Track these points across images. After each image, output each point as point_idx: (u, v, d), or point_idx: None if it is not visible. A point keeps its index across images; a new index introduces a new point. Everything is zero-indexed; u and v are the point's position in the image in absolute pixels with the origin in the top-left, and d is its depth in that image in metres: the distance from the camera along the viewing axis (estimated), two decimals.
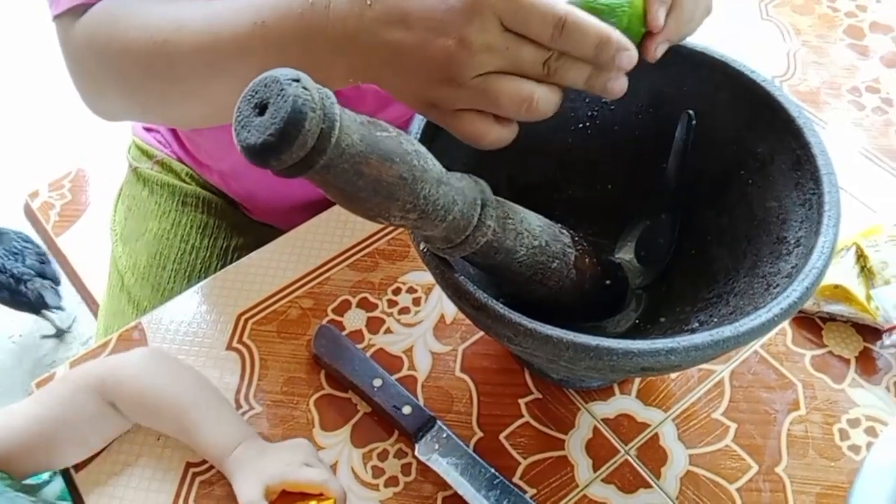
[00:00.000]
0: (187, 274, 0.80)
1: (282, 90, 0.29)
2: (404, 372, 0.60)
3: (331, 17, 0.42)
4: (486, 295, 0.41)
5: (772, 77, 0.78)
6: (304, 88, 0.29)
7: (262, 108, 0.30)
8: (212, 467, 0.55)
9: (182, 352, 0.61)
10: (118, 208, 0.89)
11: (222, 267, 0.70)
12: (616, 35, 0.40)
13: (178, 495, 0.55)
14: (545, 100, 0.41)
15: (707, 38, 0.82)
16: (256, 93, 0.30)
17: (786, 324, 0.62)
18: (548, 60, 0.40)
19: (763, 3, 0.87)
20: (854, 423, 0.56)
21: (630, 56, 0.41)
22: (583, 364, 0.41)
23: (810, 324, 0.61)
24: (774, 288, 0.44)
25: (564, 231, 0.50)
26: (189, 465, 0.56)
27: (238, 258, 0.68)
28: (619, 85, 0.42)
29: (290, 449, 0.54)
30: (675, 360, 0.39)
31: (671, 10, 0.43)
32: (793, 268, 0.43)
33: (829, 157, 0.46)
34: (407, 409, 0.56)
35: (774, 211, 0.48)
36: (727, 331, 0.39)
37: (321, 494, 0.51)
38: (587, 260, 0.50)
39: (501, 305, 0.40)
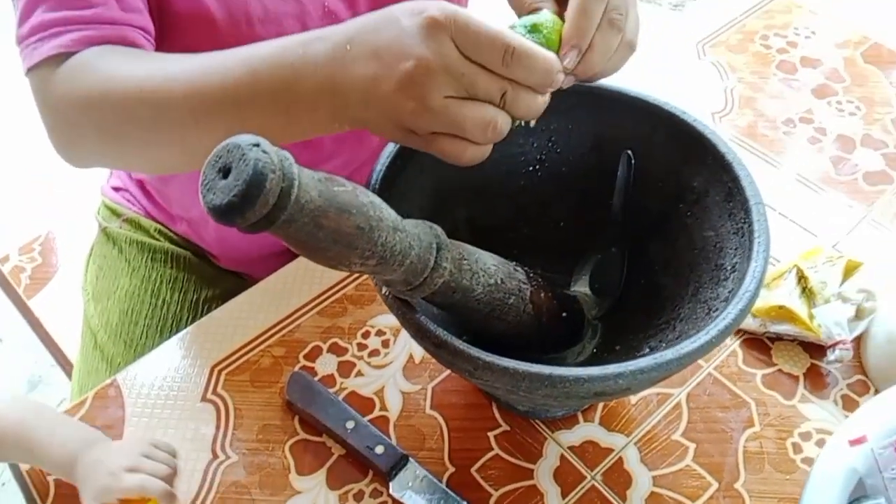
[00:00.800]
0: (159, 328, 0.81)
1: (243, 155, 0.32)
2: (376, 413, 0.62)
3: (317, 64, 0.44)
4: (445, 332, 0.43)
5: (711, 113, 0.83)
6: (264, 152, 0.32)
7: (225, 172, 0.32)
8: None
9: (157, 405, 0.63)
10: (89, 268, 0.90)
11: (194, 319, 0.71)
12: (558, 61, 0.43)
13: None
14: (504, 123, 0.44)
15: (649, 78, 0.87)
16: (220, 158, 0.33)
17: (736, 345, 0.65)
18: (504, 94, 0.42)
19: (700, 44, 0.92)
20: (805, 436, 0.59)
21: (569, 81, 0.44)
22: (540, 392, 0.43)
23: (759, 344, 0.65)
24: (714, 311, 0.47)
25: (519, 268, 0.53)
26: None
27: (209, 310, 0.70)
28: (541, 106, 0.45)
29: (117, 453, 0.56)
30: (624, 384, 0.41)
31: (586, 52, 0.45)
32: (730, 292, 0.46)
33: (757, 187, 0.49)
34: (380, 449, 0.58)
35: (712, 240, 0.52)
36: (669, 354, 0.42)
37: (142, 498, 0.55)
38: (542, 294, 0.53)
39: (460, 341, 0.43)
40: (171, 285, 0.83)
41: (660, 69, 0.90)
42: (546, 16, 0.46)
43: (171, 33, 0.62)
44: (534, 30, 0.45)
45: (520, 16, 0.48)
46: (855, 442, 0.47)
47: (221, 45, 0.50)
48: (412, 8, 0.42)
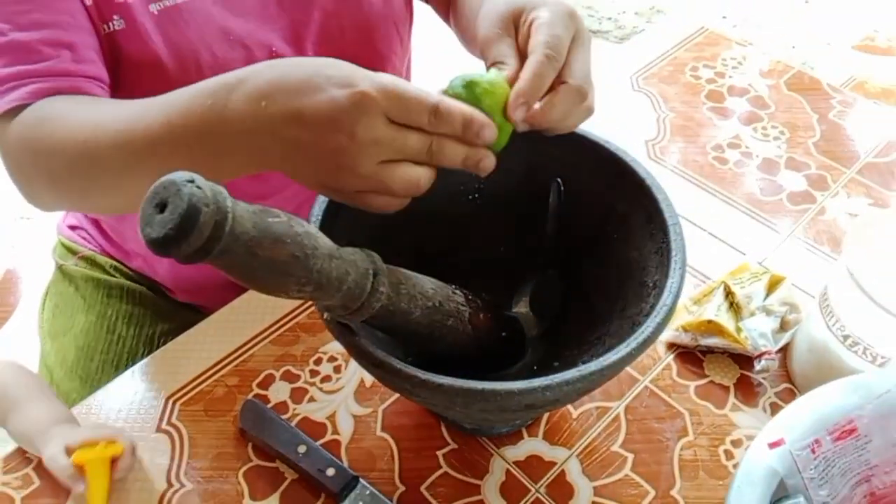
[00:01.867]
0: (115, 364, 0.82)
1: (178, 190, 0.34)
2: (328, 437, 0.64)
3: (229, 117, 0.46)
4: (384, 353, 0.46)
5: (645, 141, 0.88)
6: (198, 187, 0.35)
7: (162, 207, 0.35)
8: None
9: None
10: (46, 306, 0.91)
11: (149, 353, 0.73)
12: (478, 115, 0.46)
13: None
14: (427, 178, 0.47)
15: None
16: (157, 194, 0.35)
17: (671, 359, 0.68)
18: (430, 147, 0.46)
19: (634, 77, 0.97)
20: (737, 443, 0.63)
21: (492, 131, 0.47)
22: (475, 407, 0.46)
23: (692, 357, 0.68)
24: (638, 326, 0.50)
25: (458, 291, 0.55)
26: None
27: (164, 343, 0.71)
28: (487, 163, 0.49)
29: (97, 426, 0.60)
30: (552, 396, 0.44)
31: (546, 109, 0.50)
32: (651, 307, 0.50)
33: (674, 210, 0.53)
34: (331, 472, 0.60)
35: (636, 259, 0.55)
36: (593, 366, 0.45)
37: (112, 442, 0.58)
38: (481, 316, 0.56)
39: (398, 361, 0.45)
40: (126, 321, 0.84)
41: (598, 101, 0.94)
42: (489, 75, 0.49)
43: (124, 81, 0.65)
44: (467, 86, 0.48)
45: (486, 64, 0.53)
46: (774, 444, 0.51)
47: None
48: (341, 79, 0.43)
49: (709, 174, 0.85)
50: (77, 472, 0.57)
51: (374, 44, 0.76)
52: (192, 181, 0.34)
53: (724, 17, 2.57)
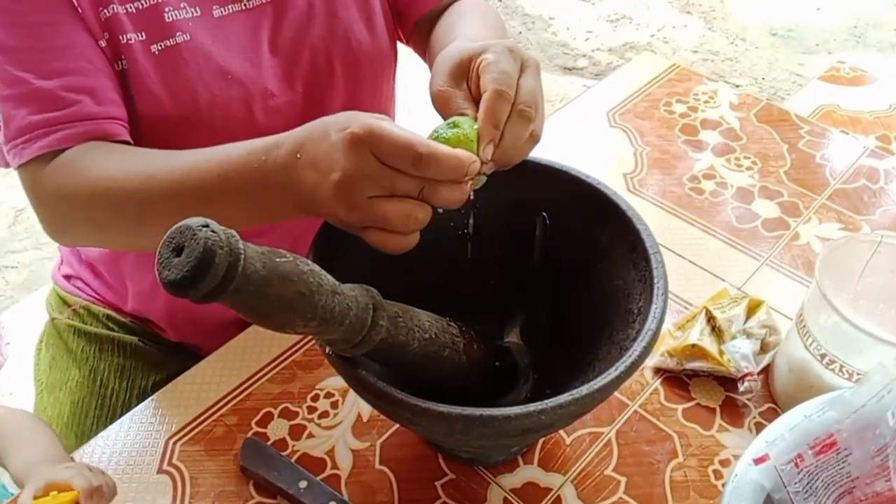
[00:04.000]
0: (108, 419, 0.83)
1: (194, 235, 0.37)
2: (328, 472, 0.65)
3: (277, 169, 0.52)
4: (385, 384, 0.48)
5: (623, 174, 0.91)
6: (213, 231, 0.37)
7: (178, 251, 0.37)
8: None
9: (116, 479, 0.64)
10: (41, 358, 0.92)
11: None
12: (464, 153, 0.49)
13: None
14: (424, 212, 0.50)
15: (568, 146, 0.95)
16: (173, 238, 0.37)
17: (658, 384, 0.71)
18: (422, 190, 0.49)
19: (610, 113, 1.01)
20: (725, 463, 0.65)
21: (477, 164, 0.50)
22: (474, 433, 0.48)
23: (678, 381, 0.71)
24: (625, 351, 0.52)
25: (452, 323, 0.58)
26: None
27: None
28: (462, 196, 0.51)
29: (65, 466, 0.60)
30: (547, 419, 0.46)
31: (499, 142, 0.52)
32: (637, 332, 0.52)
33: (655, 239, 0.56)
34: None
35: (620, 288, 0.58)
36: (584, 389, 0.47)
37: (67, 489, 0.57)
38: (475, 346, 0.59)
39: (398, 391, 0.47)
40: (118, 374, 0.85)
41: (576, 137, 0.98)
42: (465, 119, 0.52)
43: (131, 117, 0.68)
44: (454, 126, 0.52)
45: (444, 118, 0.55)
46: (759, 460, 0.53)
47: (174, 128, 0.60)
48: (339, 124, 0.49)
49: (686, 204, 0.88)
50: None
51: (363, 81, 0.79)
52: (206, 226, 0.37)
53: (694, 52, 2.66)
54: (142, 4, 0.66)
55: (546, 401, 0.46)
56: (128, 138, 0.66)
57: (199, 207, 0.55)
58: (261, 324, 0.43)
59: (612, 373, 0.48)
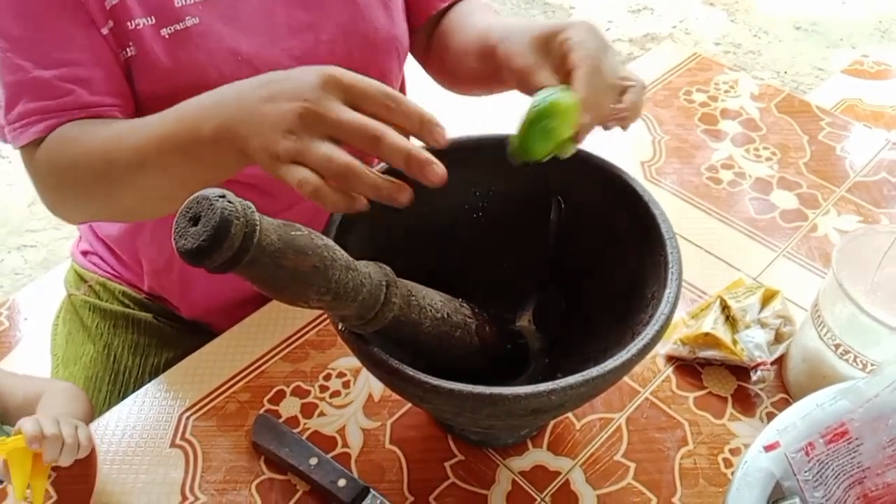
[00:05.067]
0: (121, 395, 0.84)
1: (211, 205, 0.37)
2: (338, 450, 0.66)
3: (220, 109, 0.53)
4: (397, 361, 0.48)
5: (640, 162, 0.91)
6: (230, 202, 0.37)
7: (195, 220, 0.37)
8: None
9: (129, 452, 0.66)
10: (58, 332, 0.93)
11: None
12: (432, 116, 0.49)
13: None
14: (363, 176, 0.47)
15: None
16: (191, 209, 0.38)
17: (670, 371, 0.70)
18: (377, 133, 0.47)
19: None
20: (735, 451, 0.65)
21: (443, 134, 0.49)
22: (483, 412, 0.48)
23: (691, 369, 0.70)
24: (638, 335, 0.52)
25: (465, 304, 0.58)
26: None
27: None
28: (433, 172, 0.48)
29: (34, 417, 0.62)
30: (556, 400, 0.46)
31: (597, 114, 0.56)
32: (650, 317, 0.52)
33: (670, 224, 0.56)
34: (342, 482, 0.62)
35: (635, 272, 0.58)
36: (595, 371, 0.47)
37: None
38: (487, 328, 0.59)
39: (411, 368, 0.48)
40: (132, 351, 0.86)
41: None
42: (562, 91, 0.55)
43: (143, 102, 0.70)
44: (553, 104, 0.54)
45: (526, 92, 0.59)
46: (769, 448, 0.53)
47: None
48: (317, 67, 0.49)
49: (704, 194, 0.88)
50: (4, 465, 0.59)
51: (377, 66, 0.79)
52: (223, 196, 0.37)
53: (717, 44, 2.63)
54: None
55: (556, 381, 0.46)
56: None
57: (151, 163, 0.58)
58: (275, 296, 0.43)
59: (623, 355, 0.48)
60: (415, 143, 0.49)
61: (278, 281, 0.41)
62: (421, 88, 0.92)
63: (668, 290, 0.51)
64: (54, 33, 0.65)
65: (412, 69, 0.87)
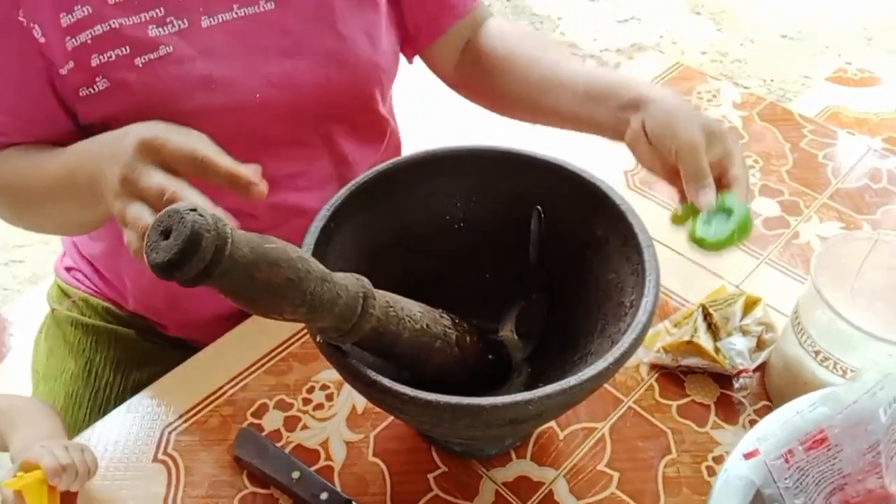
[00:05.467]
0: (101, 411, 0.83)
1: (182, 218, 0.37)
2: (321, 463, 0.65)
3: (87, 165, 0.61)
4: (374, 373, 0.48)
5: (623, 171, 0.91)
6: (200, 215, 0.37)
7: (166, 234, 0.37)
8: None
9: (111, 467, 0.65)
10: (39, 348, 0.92)
11: None
12: (245, 173, 0.53)
13: None
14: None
15: (567, 143, 0.95)
16: (162, 222, 0.38)
17: (653, 380, 0.70)
18: (168, 200, 0.51)
19: None
20: (718, 459, 0.65)
21: (260, 188, 0.53)
22: (462, 423, 0.48)
23: (674, 378, 0.71)
24: (616, 344, 0.52)
25: (445, 315, 0.58)
26: None
27: None
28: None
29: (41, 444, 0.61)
30: (534, 409, 0.46)
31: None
32: (628, 325, 0.52)
33: (648, 233, 0.56)
34: (324, 496, 0.61)
35: (614, 281, 0.58)
36: (572, 380, 0.47)
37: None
38: (468, 338, 0.59)
39: (388, 380, 0.48)
40: (113, 367, 0.86)
41: (578, 135, 0.98)
42: (733, 201, 0.64)
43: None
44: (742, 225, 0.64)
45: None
46: (749, 455, 0.53)
47: None
48: (134, 128, 0.56)
49: None
50: (17, 497, 0.58)
51: (358, 89, 0.79)
52: (194, 210, 0.37)
53: (703, 53, 2.65)
54: (126, 21, 0.66)
55: (533, 391, 0.46)
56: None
57: (49, 196, 0.67)
58: (249, 308, 0.43)
59: (600, 364, 0.48)
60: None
61: (252, 293, 0.41)
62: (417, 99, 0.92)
63: (645, 299, 0.52)
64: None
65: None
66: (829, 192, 0.90)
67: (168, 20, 0.68)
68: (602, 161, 0.93)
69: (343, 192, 0.60)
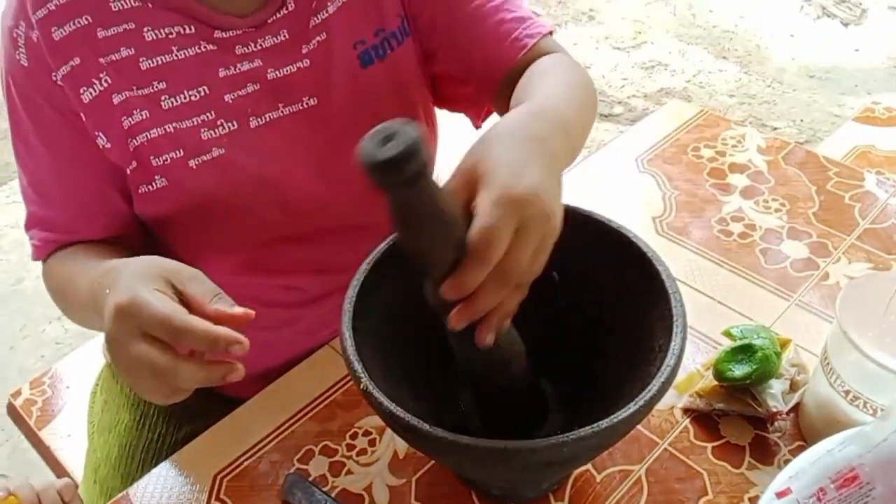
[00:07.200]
0: (154, 461, 0.86)
1: (402, 128, 0.42)
2: None
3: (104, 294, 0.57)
4: (414, 417, 0.51)
5: (651, 217, 0.94)
6: (415, 129, 0.42)
7: (386, 140, 0.42)
8: None
9: None
10: (96, 400, 0.97)
11: None
12: (226, 334, 0.51)
13: None
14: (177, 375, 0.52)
15: (596, 191, 0.98)
16: (380, 132, 0.43)
17: (688, 422, 0.72)
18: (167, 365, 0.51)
19: (639, 159, 1.04)
20: (754, 500, 0.66)
21: (240, 348, 0.51)
22: (500, 466, 0.50)
23: (708, 420, 0.72)
24: (646, 388, 0.55)
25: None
26: None
27: None
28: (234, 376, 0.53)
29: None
30: (568, 452, 0.49)
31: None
32: (657, 369, 0.54)
33: (674, 279, 0.59)
34: None
35: (642, 326, 0.60)
36: (604, 423, 0.49)
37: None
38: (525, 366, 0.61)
39: (426, 424, 0.50)
40: (166, 419, 0.89)
41: (606, 183, 1.01)
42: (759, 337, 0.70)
43: (174, 227, 0.79)
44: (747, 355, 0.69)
45: None
46: (781, 494, 0.54)
47: (205, 226, 0.75)
48: (118, 300, 0.53)
49: (714, 247, 0.90)
50: None
51: None
52: (411, 123, 0.42)
53: (731, 96, 2.68)
54: (179, 125, 0.71)
55: (568, 433, 0.49)
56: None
57: (79, 307, 0.70)
58: (417, 234, 0.46)
59: (631, 407, 0.50)
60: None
61: (435, 213, 0.45)
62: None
63: (673, 343, 0.54)
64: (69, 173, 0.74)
65: None
66: (857, 232, 0.91)
67: (218, 123, 0.73)
68: (631, 208, 0.96)
69: (382, 246, 0.63)
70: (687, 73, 2.79)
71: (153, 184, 0.73)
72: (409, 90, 0.82)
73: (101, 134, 0.71)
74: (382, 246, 0.64)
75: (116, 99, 0.70)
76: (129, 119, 0.71)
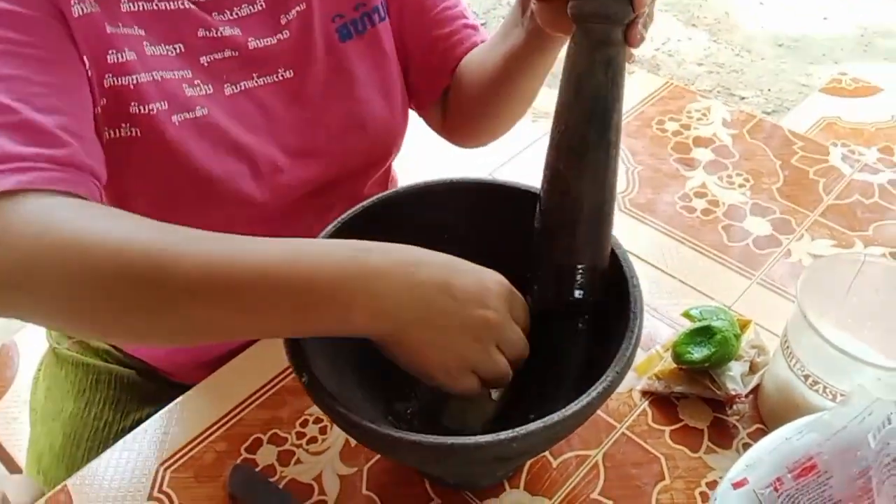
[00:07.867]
0: (100, 449, 0.83)
1: None
2: (315, 497, 0.65)
3: (371, 270, 0.49)
4: (356, 416, 0.48)
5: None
6: None
7: None
8: None
9: None
10: (38, 387, 0.93)
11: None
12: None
13: None
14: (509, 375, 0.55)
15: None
16: None
17: (646, 405, 0.70)
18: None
19: None
20: (712, 485, 0.65)
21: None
22: (449, 461, 0.48)
23: (667, 403, 0.70)
24: (600, 378, 0.53)
25: None
26: None
27: None
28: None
29: None
30: (518, 447, 0.47)
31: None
32: (613, 356, 0.52)
33: (631, 263, 0.56)
34: None
35: (601, 315, 0.58)
36: (556, 417, 0.47)
37: None
38: None
39: (369, 422, 0.48)
40: (112, 407, 0.86)
41: None
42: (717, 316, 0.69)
43: (129, 185, 0.68)
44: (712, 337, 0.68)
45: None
46: (737, 485, 0.53)
47: (165, 199, 0.66)
48: (492, 275, 0.54)
49: (677, 223, 0.88)
50: None
51: (375, 155, 0.82)
52: None
53: (700, 65, 2.66)
54: (165, 75, 0.66)
55: (518, 428, 0.47)
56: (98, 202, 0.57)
57: (226, 297, 0.47)
58: None
59: (584, 399, 0.48)
60: None
61: None
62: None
63: (629, 332, 0.52)
64: (56, 79, 0.57)
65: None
66: (821, 209, 0.90)
67: (196, 83, 0.68)
68: None
69: (346, 214, 0.62)
70: (656, 41, 2.76)
71: (118, 130, 0.64)
72: (388, 68, 0.79)
73: (85, 57, 0.61)
74: (331, 226, 0.61)
75: (109, 29, 0.62)
76: (117, 55, 0.62)
